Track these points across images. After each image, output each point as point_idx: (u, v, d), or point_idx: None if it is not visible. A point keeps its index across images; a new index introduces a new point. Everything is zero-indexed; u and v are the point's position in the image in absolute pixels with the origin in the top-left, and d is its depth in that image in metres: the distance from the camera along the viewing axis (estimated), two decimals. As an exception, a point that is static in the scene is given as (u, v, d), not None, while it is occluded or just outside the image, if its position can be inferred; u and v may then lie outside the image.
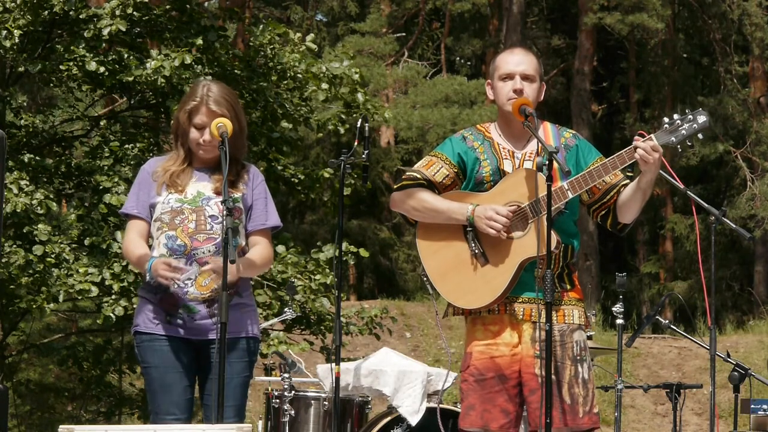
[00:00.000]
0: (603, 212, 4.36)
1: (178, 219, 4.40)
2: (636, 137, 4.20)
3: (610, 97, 26.56)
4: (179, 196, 4.44)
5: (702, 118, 4.17)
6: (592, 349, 7.00)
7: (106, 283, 9.56)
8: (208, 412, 4.37)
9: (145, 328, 4.45)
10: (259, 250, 4.52)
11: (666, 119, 4.20)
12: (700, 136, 4.18)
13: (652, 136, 4.18)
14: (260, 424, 6.87)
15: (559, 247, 4.21)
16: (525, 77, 4.30)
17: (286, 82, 10.98)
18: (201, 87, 4.51)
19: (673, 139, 4.16)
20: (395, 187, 4.47)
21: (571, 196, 4.20)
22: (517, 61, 4.33)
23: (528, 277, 4.22)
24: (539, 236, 4.12)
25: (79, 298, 10.20)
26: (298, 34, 11.22)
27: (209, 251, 4.37)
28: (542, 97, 4.39)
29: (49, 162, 10.60)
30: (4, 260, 9.43)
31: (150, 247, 4.50)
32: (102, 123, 11.38)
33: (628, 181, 4.34)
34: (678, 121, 4.17)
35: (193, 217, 4.40)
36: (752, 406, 7.15)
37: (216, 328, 4.29)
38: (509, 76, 4.31)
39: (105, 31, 9.85)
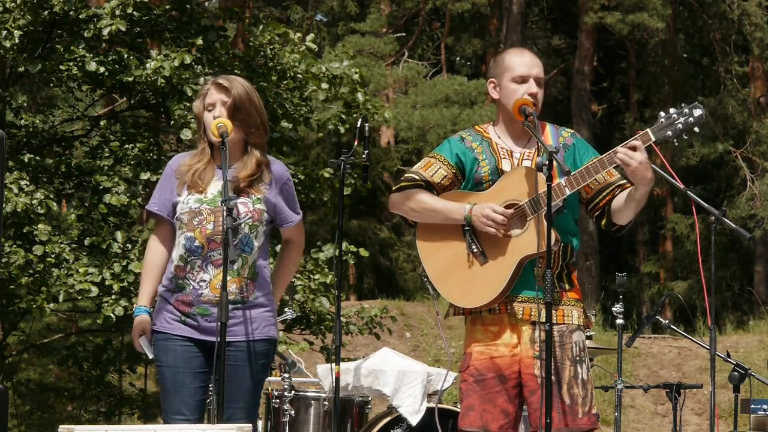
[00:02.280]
0: (597, 213, 4.36)
1: (197, 220, 4.39)
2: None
3: (610, 97, 26.57)
4: (199, 196, 4.41)
5: (698, 112, 4.15)
6: (592, 349, 7.00)
7: (106, 283, 9.56)
8: (213, 413, 4.38)
9: (160, 328, 4.44)
10: (293, 250, 4.65)
11: (662, 113, 4.18)
12: (696, 129, 4.17)
13: (648, 130, 4.17)
14: (260, 424, 6.87)
15: (558, 245, 4.20)
16: (537, 81, 4.31)
17: (286, 82, 10.98)
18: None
19: (669, 133, 4.14)
20: (393, 188, 4.47)
21: (569, 192, 4.19)
22: (531, 63, 4.31)
23: (527, 275, 4.22)
24: (539, 233, 4.12)
25: (79, 298, 10.21)
26: (298, 34, 11.22)
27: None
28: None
29: (49, 162, 10.61)
30: (4, 260, 9.43)
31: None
32: (102, 123, 11.38)
33: (624, 182, 4.32)
34: (674, 115, 4.16)
35: (211, 218, 4.38)
36: (752, 406, 7.15)
37: (234, 330, 4.33)
38: (524, 79, 4.29)
39: (105, 31, 9.85)
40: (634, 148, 4.10)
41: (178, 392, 4.39)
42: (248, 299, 4.41)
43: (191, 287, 4.37)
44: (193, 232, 4.38)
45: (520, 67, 4.31)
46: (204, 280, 4.37)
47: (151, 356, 4.47)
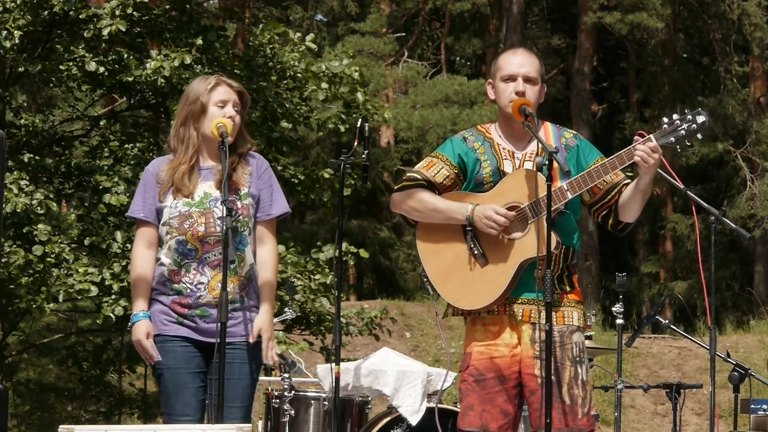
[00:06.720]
0: (604, 212, 4.36)
1: (187, 223, 4.38)
2: (636, 137, 4.20)
3: (610, 97, 26.56)
4: (187, 200, 4.40)
5: (701, 119, 4.16)
6: (592, 349, 7.00)
7: (106, 283, 9.56)
8: (211, 413, 4.37)
9: (156, 330, 4.42)
10: (268, 257, 4.50)
11: (665, 119, 4.19)
12: (699, 136, 4.18)
13: (651, 136, 4.17)
14: (260, 424, 6.87)
15: (559, 248, 4.20)
16: (527, 79, 4.29)
17: (285, 81, 10.98)
18: (209, 76, 4.58)
19: (672, 139, 4.16)
20: (395, 187, 4.46)
21: (570, 196, 4.20)
22: (519, 62, 4.32)
23: (528, 277, 4.22)
24: (539, 237, 4.12)
25: (79, 298, 10.21)
26: (298, 34, 11.23)
27: (220, 254, 4.31)
28: (543, 99, 4.39)
29: (49, 162, 10.62)
30: (4, 260, 9.43)
31: (160, 247, 4.49)
32: (102, 123, 11.39)
33: (629, 180, 4.33)
34: (677, 122, 4.17)
35: (202, 220, 4.38)
36: (752, 406, 7.14)
37: (233, 331, 4.34)
38: (512, 78, 4.30)
39: (105, 31, 9.86)
40: (654, 149, 4.11)
41: (180, 393, 4.38)
42: (245, 299, 4.42)
43: (188, 290, 4.37)
44: (185, 236, 4.37)
45: (509, 66, 4.32)
46: (201, 283, 4.37)
47: (158, 359, 4.41)
